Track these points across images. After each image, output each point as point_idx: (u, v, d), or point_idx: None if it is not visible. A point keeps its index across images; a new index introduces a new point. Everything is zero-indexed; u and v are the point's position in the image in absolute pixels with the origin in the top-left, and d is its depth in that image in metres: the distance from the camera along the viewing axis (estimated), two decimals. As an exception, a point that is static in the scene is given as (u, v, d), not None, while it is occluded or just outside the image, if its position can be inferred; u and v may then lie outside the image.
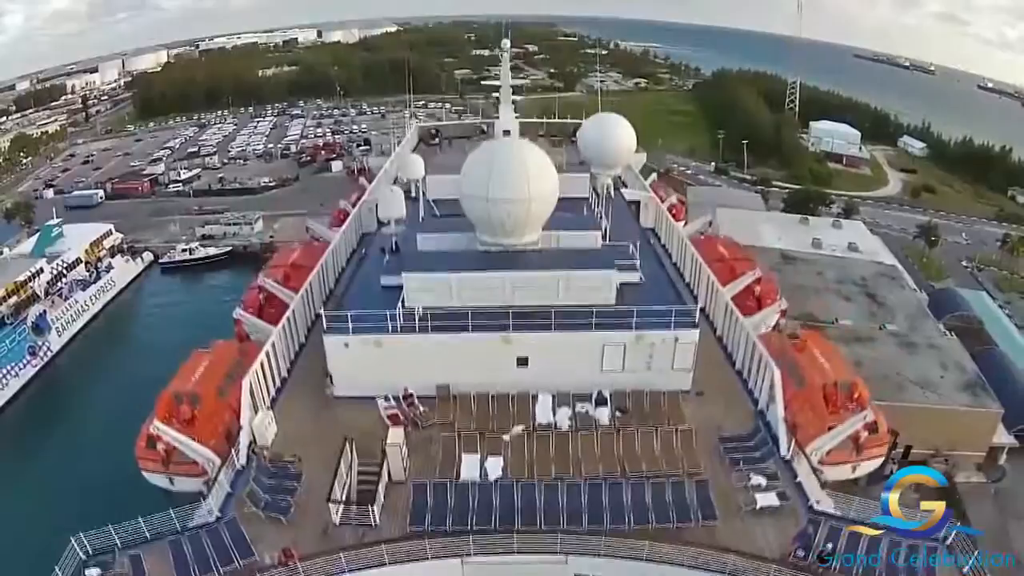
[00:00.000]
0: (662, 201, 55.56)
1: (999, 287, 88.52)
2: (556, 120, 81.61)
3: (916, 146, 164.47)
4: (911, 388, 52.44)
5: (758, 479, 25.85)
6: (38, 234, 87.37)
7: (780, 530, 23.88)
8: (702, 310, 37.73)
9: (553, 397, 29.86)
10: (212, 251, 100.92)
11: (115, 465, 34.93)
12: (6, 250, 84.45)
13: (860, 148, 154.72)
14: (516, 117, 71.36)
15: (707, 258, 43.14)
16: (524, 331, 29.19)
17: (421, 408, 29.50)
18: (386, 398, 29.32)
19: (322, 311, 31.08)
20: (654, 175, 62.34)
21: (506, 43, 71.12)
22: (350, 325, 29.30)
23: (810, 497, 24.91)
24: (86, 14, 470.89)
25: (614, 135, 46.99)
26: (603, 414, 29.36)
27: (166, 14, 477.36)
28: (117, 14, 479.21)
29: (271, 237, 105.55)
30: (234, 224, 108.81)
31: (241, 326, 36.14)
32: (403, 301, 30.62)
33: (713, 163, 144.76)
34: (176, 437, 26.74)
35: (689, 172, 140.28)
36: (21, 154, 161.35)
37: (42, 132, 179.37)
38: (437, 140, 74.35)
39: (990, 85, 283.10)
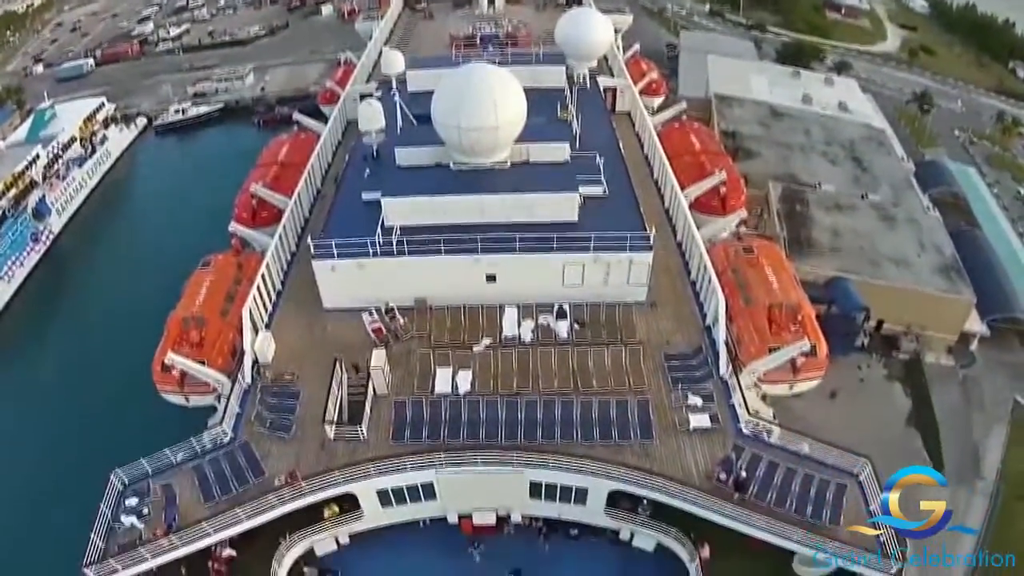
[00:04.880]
0: (643, 75, 55.98)
1: (990, 163, 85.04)
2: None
3: (918, 2, 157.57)
4: (886, 265, 52.40)
5: (695, 400, 28.80)
6: (31, 118, 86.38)
7: (709, 452, 27.14)
8: (666, 211, 40.24)
9: (518, 308, 33.03)
10: (205, 109, 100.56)
11: (128, 349, 37.37)
12: (0, 142, 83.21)
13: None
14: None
15: (678, 151, 44.62)
16: (492, 252, 31.75)
17: (402, 320, 32.69)
18: (370, 312, 32.23)
19: (309, 235, 33.53)
20: (637, 46, 62.14)
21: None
22: (335, 251, 31.96)
23: (740, 421, 27.96)
24: None
25: (589, 31, 47.18)
26: (562, 327, 32.45)
27: None
28: None
29: (262, 89, 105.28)
30: (225, 80, 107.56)
31: (238, 236, 39.09)
32: (383, 221, 33.13)
33: (708, 4, 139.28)
34: (189, 365, 30.12)
35: (683, 13, 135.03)
36: (8, 31, 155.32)
37: (27, 6, 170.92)
38: (423, 5, 73.11)
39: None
